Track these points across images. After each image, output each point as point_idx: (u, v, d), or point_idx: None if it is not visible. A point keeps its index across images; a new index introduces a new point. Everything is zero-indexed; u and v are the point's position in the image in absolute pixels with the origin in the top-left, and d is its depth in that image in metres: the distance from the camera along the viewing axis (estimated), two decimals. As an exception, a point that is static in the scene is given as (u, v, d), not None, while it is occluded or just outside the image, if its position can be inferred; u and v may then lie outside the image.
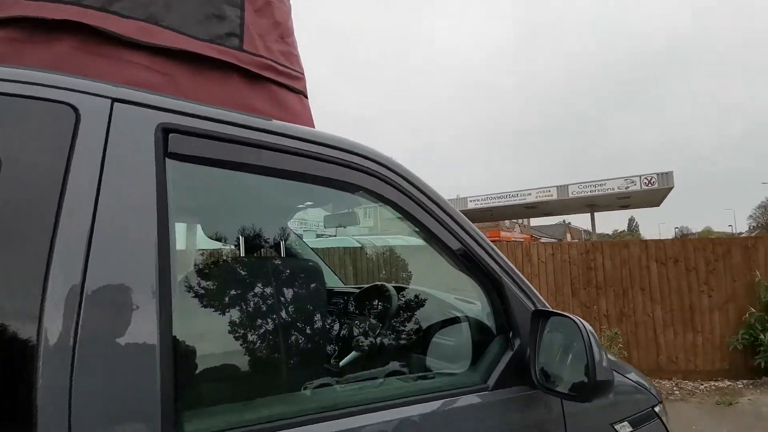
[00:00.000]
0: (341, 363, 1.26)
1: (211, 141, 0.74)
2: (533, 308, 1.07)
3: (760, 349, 4.64)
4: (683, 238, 5.80)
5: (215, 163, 0.76)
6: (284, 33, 0.99)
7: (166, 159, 0.69)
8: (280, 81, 0.97)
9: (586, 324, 0.96)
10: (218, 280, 0.95)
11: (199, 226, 1.38)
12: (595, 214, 20.99)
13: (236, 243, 1.20)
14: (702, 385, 4.86)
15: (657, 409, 1.29)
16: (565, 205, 19.98)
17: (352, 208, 1.58)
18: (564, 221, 45.10)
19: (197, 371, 0.80)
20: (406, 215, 0.96)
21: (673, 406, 4.37)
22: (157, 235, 0.63)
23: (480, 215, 22.60)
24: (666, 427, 1.29)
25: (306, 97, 1.06)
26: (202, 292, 0.88)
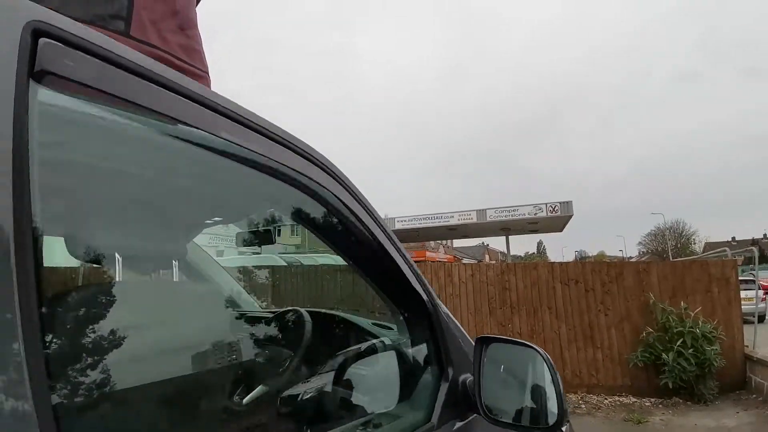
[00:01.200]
0: (245, 400, 1.11)
1: (109, 66, 0.48)
2: (456, 335, 1.06)
3: (664, 369, 5.03)
4: (582, 261, 6.39)
5: (107, 102, 0.49)
6: (185, 24, 0.89)
7: (31, 81, 0.42)
8: None
9: (545, 353, 0.93)
10: (89, 299, 0.76)
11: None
12: (510, 237, 22.57)
13: (114, 255, 0.95)
14: (606, 399, 5.28)
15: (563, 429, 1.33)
16: (483, 228, 21.20)
17: (267, 225, 1.47)
18: (483, 243, 47.81)
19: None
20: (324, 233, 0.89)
21: (581, 420, 4.66)
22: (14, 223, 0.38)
23: (407, 235, 23.12)
24: None
25: None
26: (74, 311, 0.71)
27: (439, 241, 33.01)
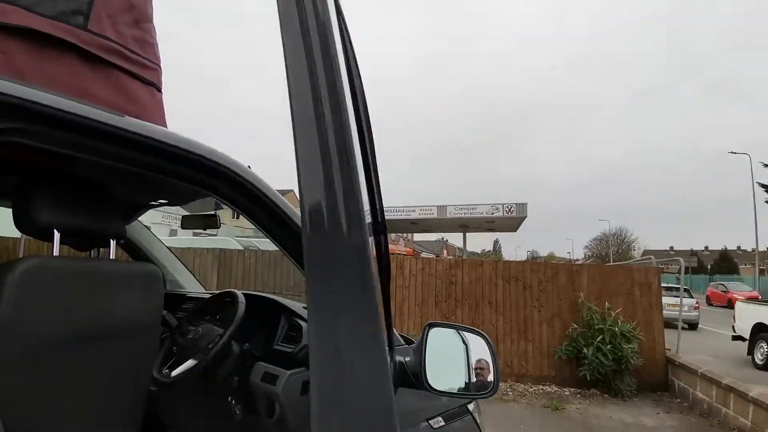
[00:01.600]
0: (173, 373, 1.25)
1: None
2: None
3: (584, 362, 5.56)
4: (523, 261, 6.89)
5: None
6: (140, 18, 0.93)
7: None
8: (129, 69, 0.89)
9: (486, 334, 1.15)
10: (23, 272, 0.76)
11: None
12: (468, 234, 23.32)
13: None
14: (532, 388, 5.77)
15: (470, 407, 1.49)
16: (443, 223, 21.77)
17: (211, 209, 1.60)
18: (443, 238, 48.83)
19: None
20: (256, 221, 1.05)
21: (506, 405, 5.09)
22: None
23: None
24: (477, 424, 1.49)
25: (159, 90, 0.99)
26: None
27: (400, 234, 33.47)
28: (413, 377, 1.06)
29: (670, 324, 6.61)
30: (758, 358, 6.81)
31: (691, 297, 9.56)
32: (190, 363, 1.25)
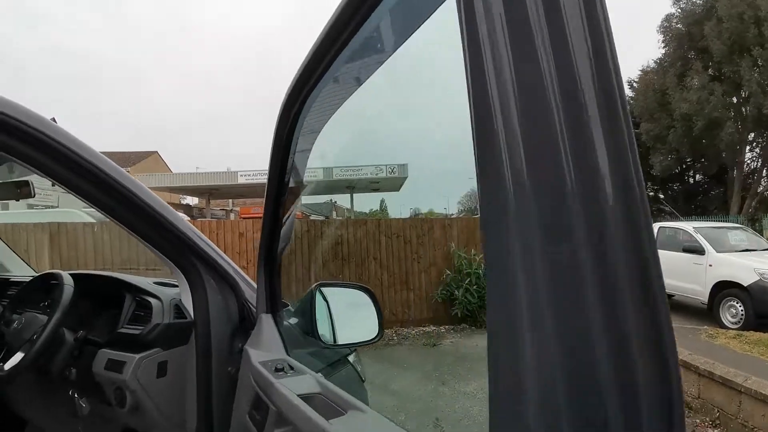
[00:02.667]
0: (7, 366, 1.09)
1: None
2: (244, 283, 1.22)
3: (455, 302, 6.34)
4: (403, 218, 7.44)
5: None
6: None
7: None
8: None
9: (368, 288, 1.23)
10: None
11: None
12: (355, 195, 23.83)
13: None
14: (413, 330, 6.35)
15: (350, 358, 1.59)
16: (330, 186, 21.80)
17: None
18: (331, 200, 48.89)
19: None
20: (72, 187, 0.92)
21: (393, 348, 5.57)
22: None
23: (252, 191, 22.15)
24: (356, 371, 1.59)
25: None
26: None
27: (287, 198, 32.51)
28: (305, 335, 1.10)
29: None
30: None
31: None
32: (18, 355, 1.10)
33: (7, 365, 1.09)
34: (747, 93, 16.55)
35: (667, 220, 9.13)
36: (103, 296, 1.34)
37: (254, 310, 1.19)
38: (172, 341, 1.16)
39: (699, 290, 6.76)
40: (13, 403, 1.30)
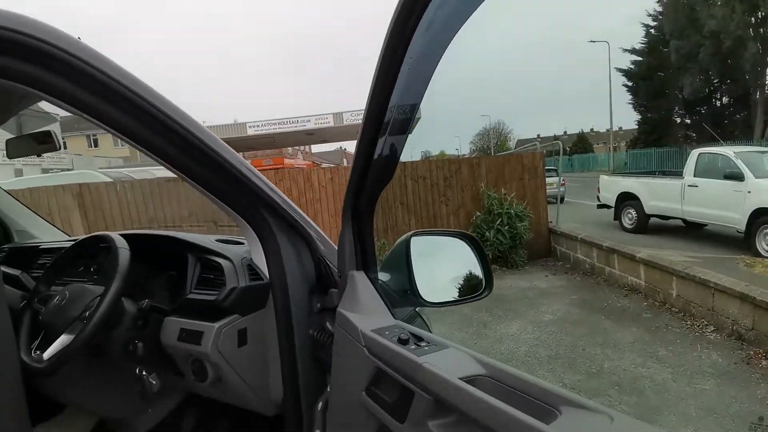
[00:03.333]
0: (46, 355, 0.92)
1: None
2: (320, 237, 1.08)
3: (486, 244, 6.13)
4: (429, 159, 7.16)
5: None
6: None
7: None
8: None
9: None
10: None
11: None
12: (367, 140, 23.16)
13: None
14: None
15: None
16: (341, 132, 21.21)
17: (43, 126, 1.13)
18: (341, 148, 48.32)
19: None
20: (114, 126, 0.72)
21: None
22: None
23: (262, 142, 21.74)
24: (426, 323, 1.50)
25: None
26: None
27: (297, 148, 32.11)
28: (402, 294, 0.95)
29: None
30: (627, 222, 8.23)
31: (558, 176, 11.10)
32: (64, 339, 0.93)
33: (48, 353, 0.92)
34: (764, 13, 15.53)
35: (694, 147, 8.64)
36: (161, 259, 1.17)
37: (332, 266, 1.06)
38: (250, 306, 1.04)
39: (736, 218, 6.44)
40: (47, 388, 1.16)
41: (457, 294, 1.10)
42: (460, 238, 1.14)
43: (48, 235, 1.77)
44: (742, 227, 6.33)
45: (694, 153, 7.43)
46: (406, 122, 0.79)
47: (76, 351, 0.89)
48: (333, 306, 0.99)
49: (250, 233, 1.02)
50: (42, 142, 1.24)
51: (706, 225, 7.27)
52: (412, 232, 1.06)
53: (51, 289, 1.09)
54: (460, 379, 0.57)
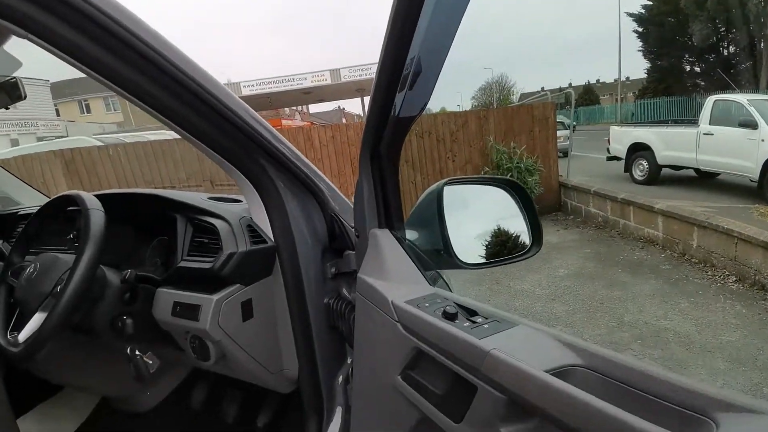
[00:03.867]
0: (21, 337, 0.77)
1: None
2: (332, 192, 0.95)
3: (495, 199, 6.03)
4: (434, 113, 6.84)
5: None
6: None
7: None
8: None
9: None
10: None
11: None
12: (365, 98, 22.51)
13: None
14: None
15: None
16: (338, 90, 20.54)
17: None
18: (339, 107, 47.16)
19: None
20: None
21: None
22: None
23: (257, 103, 21.12)
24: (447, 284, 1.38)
25: None
26: None
27: (295, 108, 31.34)
28: (434, 254, 0.81)
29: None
30: (637, 174, 7.98)
31: (566, 128, 10.68)
32: (38, 318, 0.78)
33: (23, 335, 0.78)
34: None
35: (703, 96, 8.34)
36: (145, 221, 1.01)
37: (346, 224, 0.93)
38: (254, 274, 0.89)
39: (750, 167, 6.26)
40: (37, 369, 1.05)
41: (500, 253, 0.95)
42: (501, 186, 0.97)
43: (32, 200, 1.60)
44: (756, 176, 6.19)
45: (710, 100, 7.15)
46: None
47: (52, 331, 0.74)
48: (350, 270, 0.89)
49: (248, 189, 0.87)
50: (7, 92, 1.06)
51: (719, 174, 7.12)
52: (445, 180, 0.89)
53: (25, 260, 0.93)
54: (548, 372, 0.41)
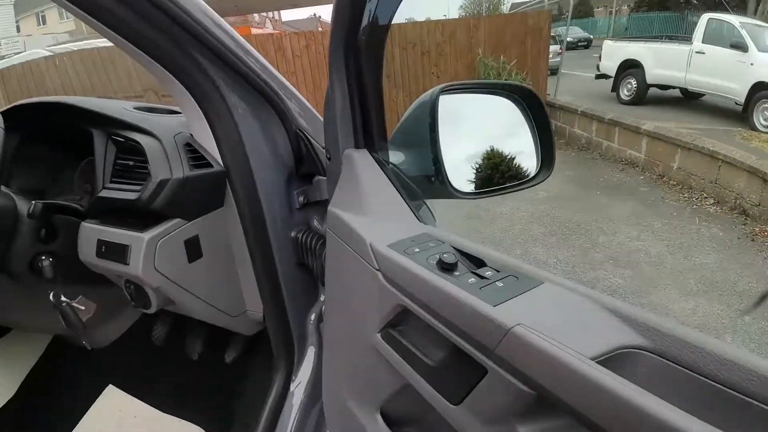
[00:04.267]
0: None
1: None
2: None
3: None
4: (420, 21, 6.25)
5: None
6: None
7: None
8: None
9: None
10: None
11: None
12: (344, 4, 20.50)
13: None
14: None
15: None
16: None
17: None
18: (315, 15, 43.34)
19: None
20: None
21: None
22: None
23: (220, 7, 19.06)
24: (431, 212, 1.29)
25: None
26: None
27: (265, 15, 28.59)
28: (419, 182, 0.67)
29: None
30: (624, 94, 7.72)
31: (556, 44, 10.11)
32: None
33: None
34: None
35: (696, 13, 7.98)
36: (72, 138, 0.83)
37: (315, 144, 0.79)
38: (199, 205, 0.76)
39: (737, 89, 6.20)
40: None
41: (502, 178, 0.81)
42: (507, 94, 0.81)
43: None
44: (741, 99, 6.16)
45: (704, 17, 6.92)
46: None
47: None
48: (322, 199, 0.78)
49: (183, 95, 0.68)
50: None
51: (704, 95, 7.07)
52: (440, 87, 0.72)
53: None
54: (596, 360, 0.28)
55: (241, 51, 0.69)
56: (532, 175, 0.79)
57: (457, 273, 0.41)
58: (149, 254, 0.70)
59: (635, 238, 3.22)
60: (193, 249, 0.76)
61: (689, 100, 7.42)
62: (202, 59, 0.65)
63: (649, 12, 22.75)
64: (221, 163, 0.73)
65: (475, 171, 0.82)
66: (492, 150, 0.85)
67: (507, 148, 0.84)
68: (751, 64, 6.01)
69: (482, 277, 0.39)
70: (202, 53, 0.64)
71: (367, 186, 0.61)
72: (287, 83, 0.83)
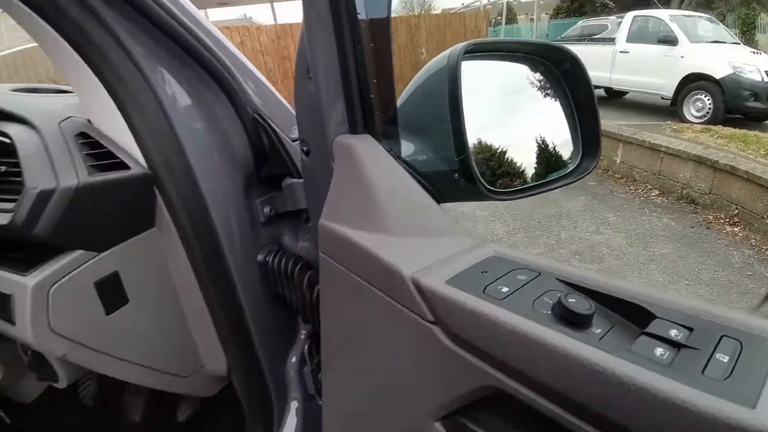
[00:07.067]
0: None
1: None
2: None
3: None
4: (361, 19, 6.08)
5: None
6: None
7: None
8: None
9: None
10: None
11: None
12: (275, 4, 19.81)
13: None
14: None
15: None
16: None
17: None
18: (245, 15, 41.86)
19: None
20: None
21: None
22: None
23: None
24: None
25: None
26: None
27: (190, 14, 27.02)
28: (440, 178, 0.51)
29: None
30: None
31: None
32: None
33: None
34: None
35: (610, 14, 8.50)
36: None
37: (281, 134, 0.59)
38: (111, 227, 0.51)
39: (663, 84, 6.51)
40: None
41: (539, 172, 0.62)
42: (541, 61, 0.63)
43: None
44: (669, 94, 6.43)
45: (629, 15, 7.25)
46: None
47: None
48: (295, 209, 0.59)
49: (71, 61, 0.45)
50: None
51: (626, 93, 7.44)
52: (463, 45, 0.53)
53: None
54: None
55: (173, 3, 0.47)
56: (572, 166, 0.62)
57: (598, 330, 0.26)
58: (39, 309, 0.45)
59: (594, 231, 3.26)
60: (112, 293, 0.51)
61: (612, 98, 7.84)
62: (113, 23, 0.42)
63: (566, 18, 24.52)
64: (143, 163, 0.49)
65: (507, 163, 0.63)
66: (526, 135, 0.66)
67: (541, 131, 0.66)
68: (682, 56, 6.20)
69: (674, 344, 0.24)
70: (118, 9, 0.43)
71: (381, 186, 0.41)
72: (242, 57, 0.61)
